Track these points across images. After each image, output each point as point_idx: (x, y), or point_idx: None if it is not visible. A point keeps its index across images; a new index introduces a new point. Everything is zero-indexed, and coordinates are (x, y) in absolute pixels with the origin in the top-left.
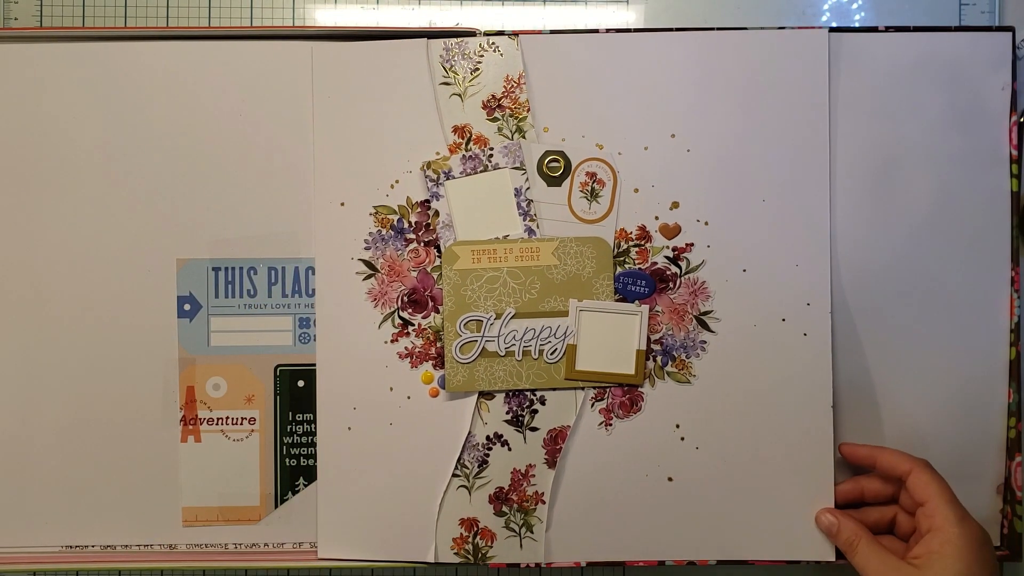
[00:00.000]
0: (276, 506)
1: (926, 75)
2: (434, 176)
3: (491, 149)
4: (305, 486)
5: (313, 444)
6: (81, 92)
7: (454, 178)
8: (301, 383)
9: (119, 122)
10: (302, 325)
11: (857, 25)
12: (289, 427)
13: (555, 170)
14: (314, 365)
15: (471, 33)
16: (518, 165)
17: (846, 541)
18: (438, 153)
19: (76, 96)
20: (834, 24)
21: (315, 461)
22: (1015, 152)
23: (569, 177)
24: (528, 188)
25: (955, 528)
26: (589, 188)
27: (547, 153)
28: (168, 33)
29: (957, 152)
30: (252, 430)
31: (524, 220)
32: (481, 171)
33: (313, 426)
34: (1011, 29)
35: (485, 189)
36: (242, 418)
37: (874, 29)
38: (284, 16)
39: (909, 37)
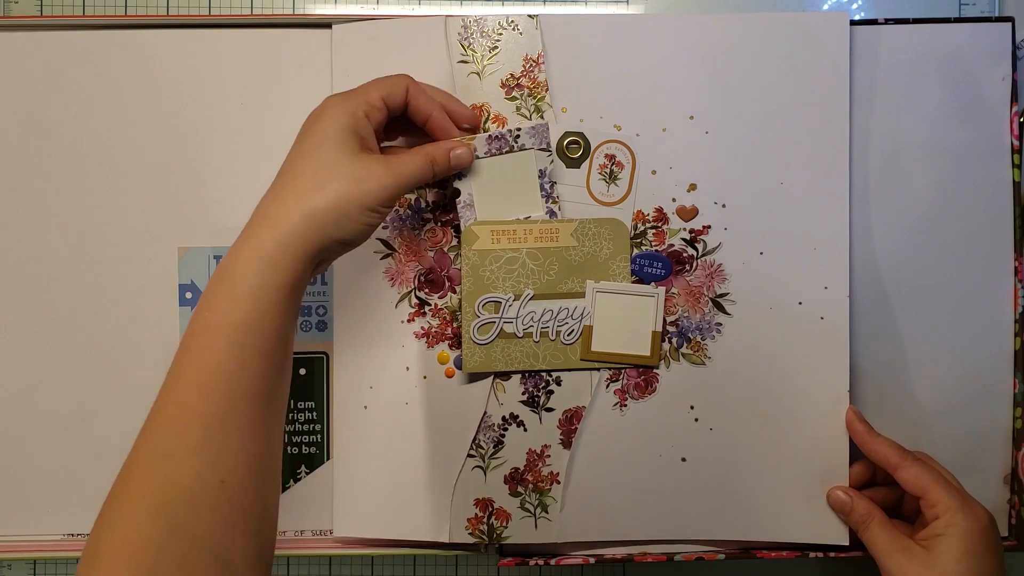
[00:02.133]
0: None
1: (926, 67)
2: None
3: (518, 130)
4: (307, 474)
5: (315, 432)
6: (82, 80)
7: (479, 158)
8: (303, 371)
9: (121, 110)
10: (304, 313)
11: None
12: (291, 415)
13: (574, 152)
14: (316, 353)
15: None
16: (544, 147)
17: (859, 519)
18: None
19: (78, 84)
20: None
21: (317, 449)
22: (1016, 143)
23: (588, 159)
24: (552, 169)
25: (958, 514)
26: (608, 170)
27: (566, 134)
28: (172, 21)
29: (958, 143)
30: None
31: (547, 202)
32: (507, 151)
33: (315, 414)
34: (1011, 20)
35: (510, 170)
36: None
37: (874, 22)
38: (284, 9)
39: (909, 29)
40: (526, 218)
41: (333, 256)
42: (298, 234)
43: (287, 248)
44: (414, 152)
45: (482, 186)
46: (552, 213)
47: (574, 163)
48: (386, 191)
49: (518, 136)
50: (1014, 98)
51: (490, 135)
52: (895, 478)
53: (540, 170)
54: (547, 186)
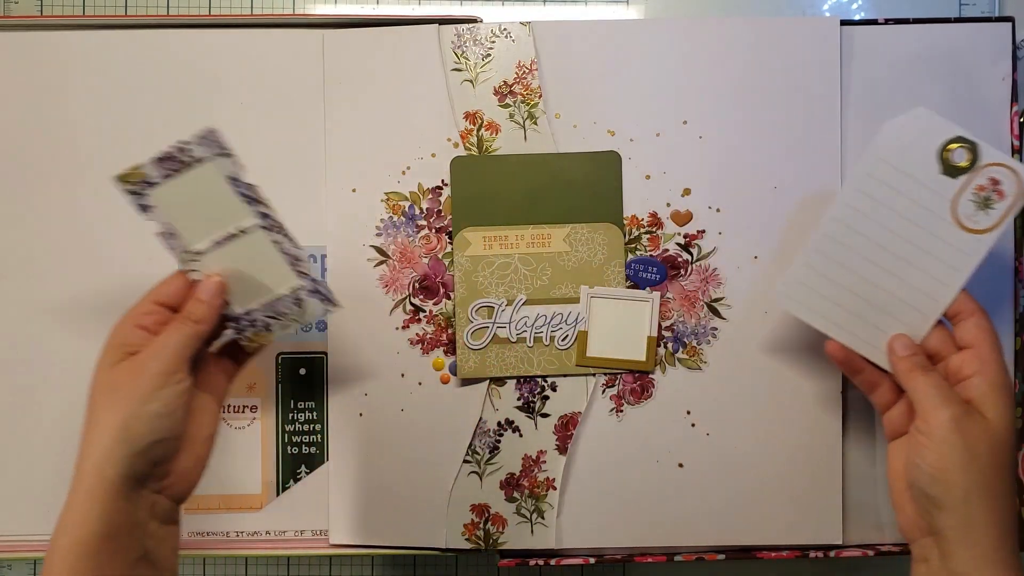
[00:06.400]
0: (278, 494)
1: (926, 67)
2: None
3: (187, 142)
4: (307, 474)
5: (315, 432)
6: (82, 80)
7: (156, 184)
8: (303, 371)
9: (121, 110)
10: None
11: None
12: (291, 415)
13: (960, 160)
14: (316, 353)
15: (473, 20)
16: (222, 152)
17: (921, 362)
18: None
19: (78, 84)
20: None
21: (317, 449)
22: (1016, 143)
23: (970, 173)
24: (240, 173)
25: (1003, 377)
26: (986, 195)
27: (958, 138)
28: (172, 21)
29: None
30: (254, 418)
31: (252, 206)
32: (185, 170)
33: (315, 414)
34: (1011, 20)
35: (195, 188)
36: (244, 406)
37: (874, 22)
38: (284, 9)
39: (909, 29)
40: (240, 229)
41: (169, 451)
42: (94, 479)
43: (92, 495)
44: (172, 320)
45: (177, 211)
46: (265, 216)
47: (952, 172)
48: (147, 374)
49: (189, 149)
50: (1014, 98)
51: (157, 157)
52: (963, 323)
53: (229, 177)
54: (247, 192)
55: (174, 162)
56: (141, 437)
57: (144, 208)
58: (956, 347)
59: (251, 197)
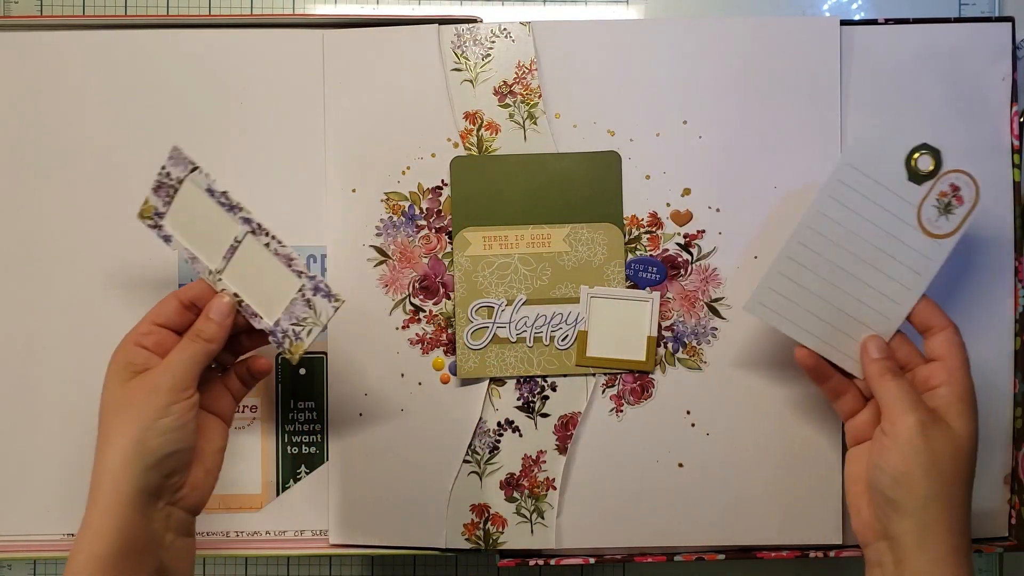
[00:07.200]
0: (278, 494)
1: (927, 67)
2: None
3: (164, 168)
4: (307, 474)
5: (315, 432)
6: (82, 80)
7: (163, 214)
8: (303, 371)
9: (121, 110)
10: None
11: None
12: (291, 415)
13: (925, 167)
14: (315, 353)
15: (473, 20)
16: (192, 168)
17: (891, 367)
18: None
19: (78, 84)
20: None
21: (317, 449)
22: (1016, 143)
23: (934, 180)
24: (214, 181)
25: (969, 390)
26: (947, 200)
27: (923, 145)
28: (172, 21)
29: (958, 143)
30: (253, 418)
31: (235, 214)
32: (175, 192)
33: (315, 414)
34: (1011, 20)
35: (189, 209)
36: (243, 406)
37: (874, 22)
38: (284, 9)
39: (909, 29)
40: (235, 239)
41: (182, 464)
42: (111, 494)
43: (109, 510)
44: (183, 338)
45: (188, 234)
46: (247, 220)
47: (917, 179)
48: (160, 390)
49: (168, 172)
50: (1014, 98)
51: (153, 188)
52: (935, 336)
53: (207, 190)
54: (224, 200)
55: (166, 188)
56: (154, 451)
57: (167, 239)
58: (923, 360)
59: (229, 204)
